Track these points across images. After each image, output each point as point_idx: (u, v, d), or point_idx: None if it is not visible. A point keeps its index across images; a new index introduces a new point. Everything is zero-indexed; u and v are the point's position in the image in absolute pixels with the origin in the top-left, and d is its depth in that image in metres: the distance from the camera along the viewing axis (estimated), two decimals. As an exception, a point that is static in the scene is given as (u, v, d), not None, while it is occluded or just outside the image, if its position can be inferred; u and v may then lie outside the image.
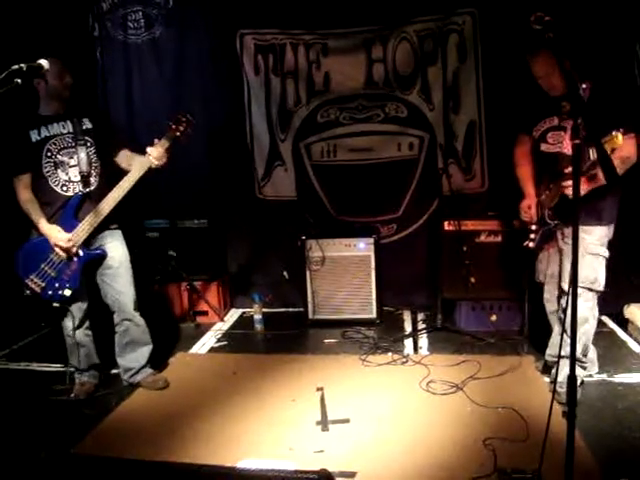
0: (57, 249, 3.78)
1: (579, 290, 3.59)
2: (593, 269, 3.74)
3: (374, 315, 5.31)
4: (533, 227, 3.97)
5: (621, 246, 5.05)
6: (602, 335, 4.84)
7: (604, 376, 4.05)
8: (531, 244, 3.99)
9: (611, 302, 5.11)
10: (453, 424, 3.47)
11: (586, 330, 3.79)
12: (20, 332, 5.33)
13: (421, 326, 5.25)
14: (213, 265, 5.73)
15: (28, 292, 3.86)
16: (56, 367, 4.57)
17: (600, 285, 3.79)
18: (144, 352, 4.15)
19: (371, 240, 5.24)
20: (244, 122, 5.70)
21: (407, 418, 3.59)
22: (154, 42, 5.68)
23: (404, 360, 4.46)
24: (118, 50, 5.70)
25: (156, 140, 3.89)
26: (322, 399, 3.78)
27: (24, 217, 3.85)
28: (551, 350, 4.02)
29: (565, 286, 3.78)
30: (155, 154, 3.83)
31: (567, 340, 3.67)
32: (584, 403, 3.51)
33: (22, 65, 2.40)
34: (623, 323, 5.00)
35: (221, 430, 3.53)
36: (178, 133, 3.94)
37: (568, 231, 3.74)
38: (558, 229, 3.85)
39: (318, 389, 3.94)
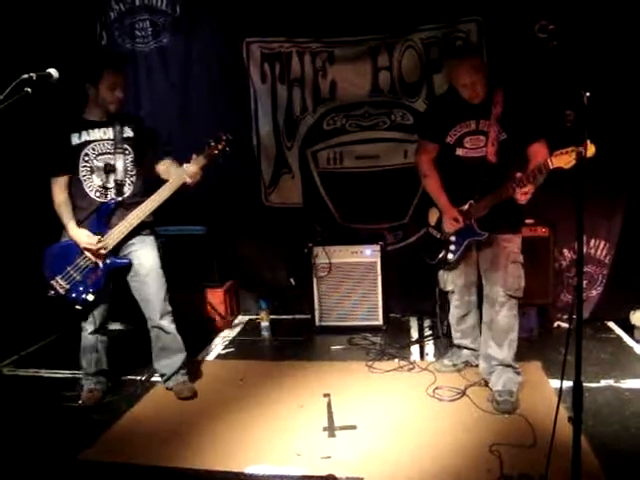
0: (87, 253, 3.82)
1: (504, 299, 3.80)
2: (517, 277, 3.82)
3: (380, 322, 5.31)
4: (453, 238, 3.96)
5: (624, 252, 5.09)
6: (608, 341, 4.86)
7: (611, 382, 4.04)
8: (451, 256, 3.98)
9: (617, 308, 5.13)
10: (459, 430, 3.47)
11: (515, 337, 3.89)
12: (28, 338, 5.34)
13: (427, 332, 5.26)
14: (220, 272, 5.74)
15: (52, 292, 3.89)
16: (65, 373, 4.60)
17: (521, 291, 3.86)
18: (177, 360, 4.13)
19: (377, 247, 5.25)
20: (251, 130, 5.73)
21: (413, 424, 3.59)
22: (161, 50, 5.71)
23: (410, 367, 4.47)
24: (126, 59, 5.73)
25: (194, 156, 3.91)
26: (329, 405, 3.80)
27: (56, 219, 3.90)
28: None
29: (497, 296, 3.83)
30: (190, 171, 3.86)
31: (493, 346, 3.90)
32: (590, 409, 3.51)
33: (32, 74, 2.42)
34: (629, 329, 4.98)
35: (228, 436, 3.54)
36: (216, 152, 3.96)
37: (494, 238, 3.83)
38: (483, 240, 3.85)
39: (325, 395, 3.96)
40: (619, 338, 4.94)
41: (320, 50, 5.50)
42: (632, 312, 4.98)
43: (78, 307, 3.91)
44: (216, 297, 5.70)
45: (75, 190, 3.89)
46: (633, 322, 4.95)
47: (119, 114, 3.94)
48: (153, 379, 4.38)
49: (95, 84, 3.78)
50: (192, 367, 4.28)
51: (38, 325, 5.46)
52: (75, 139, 3.84)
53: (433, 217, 4.10)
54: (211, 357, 4.97)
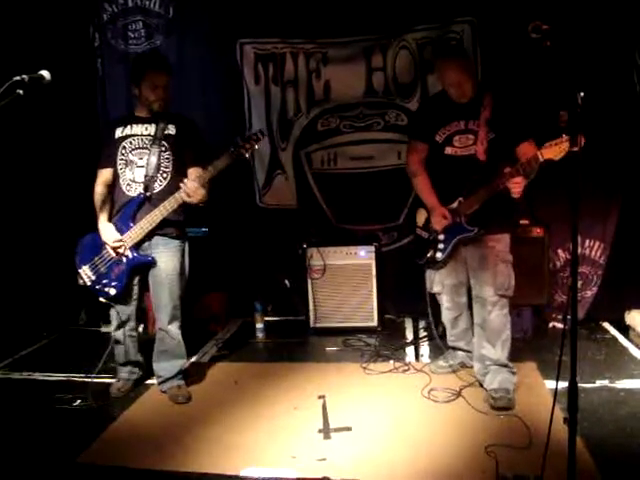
0: (107, 247, 3.89)
1: (494, 298, 3.80)
2: (507, 276, 3.82)
3: (375, 323, 5.31)
4: (441, 237, 3.96)
5: (618, 252, 5.09)
6: (603, 341, 4.88)
7: (606, 382, 4.05)
8: (439, 255, 3.98)
9: (612, 309, 5.14)
10: (455, 431, 3.47)
11: (508, 336, 3.89)
12: (22, 342, 5.32)
13: (422, 334, 5.26)
14: (214, 274, 5.73)
15: (81, 282, 4.00)
16: (59, 376, 4.58)
17: (512, 290, 3.85)
18: (176, 364, 4.13)
19: (372, 248, 5.26)
20: (244, 131, 5.71)
21: (409, 426, 3.58)
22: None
23: (405, 368, 4.46)
24: (119, 60, 5.72)
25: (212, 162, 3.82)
26: (324, 407, 3.78)
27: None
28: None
29: (488, 296, 3.82)
30: (188, 189, 3.76)
31: (487, 346, 3.89)
32: (586, 409, 3.50)
33: (24, 76, 2.41)
34: (624, 329, 5.00)
35: (223, 439, 3.52)
36: (243, 150, 3.85)
37: (482, 238, 3.83)
38: (472, 237, 3.85)
39: (320, 397, 3.94)
40: (614, 338, 4.95)
41: (314, 51, 5.51)
42: (627, 312, 5.00)
43: (102, 300, 3.97)
44: (211, 299, 5.69)
45: (113, 183, 4.00)
46: (628, 322, 4.96)
47: (167, 113, 4.00)
48: (148, 381, 4.36)
49: (138, 84, 3.90)
50: (187, 369, 4.26)
51: (32, 328, 5.46)
52: (118, 132, 3.97)
53: (421, 218, 4.11)
54: (205, 359, 4.95)
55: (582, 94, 2.31)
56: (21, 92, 2.38)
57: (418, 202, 4.15)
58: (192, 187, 3.77)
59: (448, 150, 3.85)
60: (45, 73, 2.53)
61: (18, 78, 2.39)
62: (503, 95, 3.74)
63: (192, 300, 5.48)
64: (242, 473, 3.11)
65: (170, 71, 4.00)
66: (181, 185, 3.79)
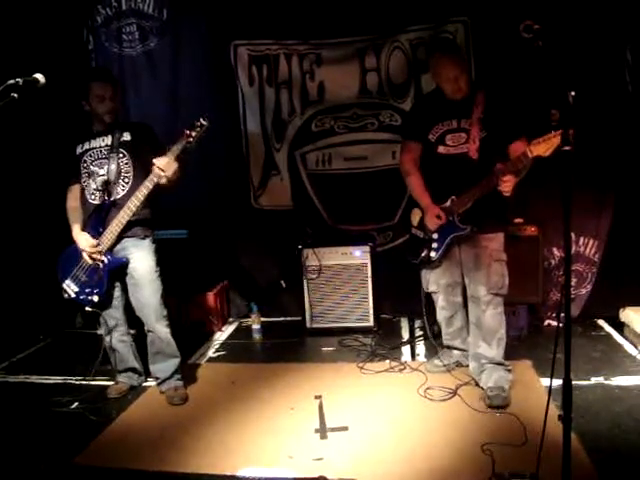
0: (84, 255, 3.93)
1: (488, 297, 3.81)
2: (501, 275, 3.84)
3: (371, 323, 5.32)
4: (435, 236, 3.98)
5: (613, 249, 5.11)
6: (598, 338, 4.88)
7: (601, 379, 4.06)
8: (433, 254, 4.00)
9: (607, 306, 5.14)
10: (451, 430, 3.48)
11: (503, 335, 3.91)
12: (18, 345, 5.32)
13: (418, 333, 5.27)
14: (210, 275, 5.74)
15: (66, 295, 4.07)
16: (55, 379, 4.59)
17: (506, 289, 3.86)
18: (171, 364, 4.16)
19: (367, 248, 5.26)
20: (239, 132, 5.73)
21: (405, 425, 3.59)
22: (149, 54, 5.72)
23: (402, 367, 4.47)
24: (113, 63, 5.71)
25: (167, 147, 3.83)
26: (320, 407, 3.79)
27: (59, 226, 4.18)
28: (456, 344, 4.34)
29: (482, 295, 3.84)
30: (160, 164, 3.72)
31: (483, 345, 3.91)
32: (581, 407, 3.52)
33: (18, 79, 2.42)
34: (619, 326, 5.00)
35: (220, 439, 3.53)
36: (190, 139, 3.79)
37: (475, 237, 3.85)
38: (464, 236, 3.87)
39: (316, 397, 3.95)
40: (609, 335, 4.96)
41: (308, 52, 5.51)
42: (621, 310, 5.01)
43: (88, 309, 4.02)
44: (207, 300, 5.69)
45: (81, 196, 4.08)
46: (622, 319, 4.97)
47: (121, 122, 4.10)
48: (145, 383, 4.37)
49: (87, 100, 3.94)
50: (183, 371, 4.27)
51: (28, 331, 5.45)
52: (79, 149, 4.05)
53: (415, 217, 4.12)
54: (202, 360, 4.96)
55: (573, 93, 2.32)
56: (15, 95, 2.39)
57: (413, 202, 4.16)
58: (163, 162, 3.72)
59: (441, 149, 3.86)
60: (39, 76, 2.53)
61: (12, 81, 2.40)
62: (495, 94, 3.76)
63: (188, 301, 5.51)
64: (239, 473, 3.12)
65: (114, 82, 4.06)
66: (153, 168, 3.74)
